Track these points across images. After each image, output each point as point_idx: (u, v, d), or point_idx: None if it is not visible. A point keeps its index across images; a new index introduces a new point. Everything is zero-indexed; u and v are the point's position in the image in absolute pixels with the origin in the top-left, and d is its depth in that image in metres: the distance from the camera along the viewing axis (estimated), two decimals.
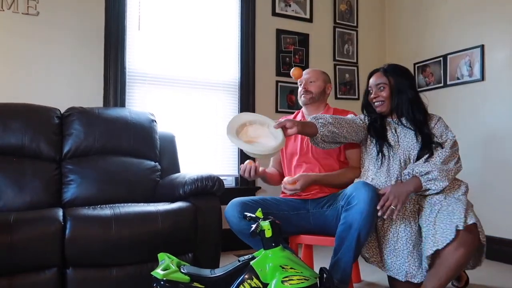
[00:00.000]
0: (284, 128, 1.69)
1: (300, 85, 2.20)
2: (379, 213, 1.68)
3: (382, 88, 1.93)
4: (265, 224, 1.48)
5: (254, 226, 1.48)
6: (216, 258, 2.02)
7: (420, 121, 1.89)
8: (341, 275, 1.70)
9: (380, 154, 1.90)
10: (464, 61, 3.09)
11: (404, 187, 1.72)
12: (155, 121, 2.52)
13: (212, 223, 2.00)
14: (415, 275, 1.74)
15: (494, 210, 2.81)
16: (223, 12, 3.24)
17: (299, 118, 2.23)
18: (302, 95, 2.17)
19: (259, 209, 1.60)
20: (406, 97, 1.89)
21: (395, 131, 1.94)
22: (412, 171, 1.77)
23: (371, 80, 1.99)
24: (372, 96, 1.96)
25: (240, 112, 3.22)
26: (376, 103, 1.95)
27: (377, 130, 1.94)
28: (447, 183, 1.74)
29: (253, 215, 1.57)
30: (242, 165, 1.99)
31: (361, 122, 1.96)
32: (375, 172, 1.90)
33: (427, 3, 3.46)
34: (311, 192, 2.00)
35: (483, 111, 2.96)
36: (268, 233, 1.48)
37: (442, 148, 1.83)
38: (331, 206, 1.89)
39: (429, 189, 1.76)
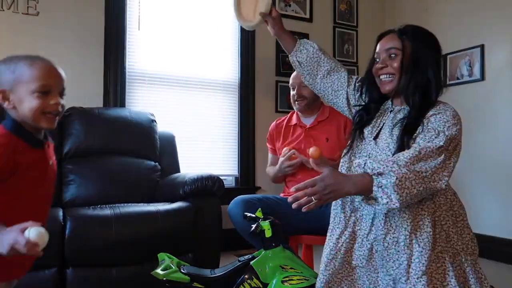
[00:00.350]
0: None
1: (293, 89, 2.15)
2: (294, 205, 1.12)
3: (394, 55, 1.34)
4: (265, 224, 1.48)
5: (254, 226, 1.48)
6: (216, 258, 2.02)
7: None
8: None
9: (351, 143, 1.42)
10: (464, 61, 3.09)
11: (345, 183, 1.12)
12: (155, 121, 2.52)
13: (212, 223, 2.00)
14: None
15: (494, 211, 2.81)
16: (223, 12, 3.24)
17: (294, 119, 2.22)
18: (296, 102, 2.13)
19: (259, 209, 1.60)
20: (421, 77, 1.31)
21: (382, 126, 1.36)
22: (364, 165, 1.15)
23: (380, 44, 1.40)
24: (378, 65, 1.37)
25: (240, 114, 3.23)
26: (382, 78, 1.36)
27: (360, 121, 1.44)
28: (404, 204, 1.10)
29: (253, 215, 1.57)
30: (286, 152, 2.02)
31: (344, 83, 1.53)
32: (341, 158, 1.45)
33: (427, 3, 3.46)
34: None
35: (483, 111, 2.96)
36: (268, 233, 1.48)
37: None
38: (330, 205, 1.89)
39: (376, 200, 1.13)
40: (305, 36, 3.50)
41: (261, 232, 1.49)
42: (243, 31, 3.26)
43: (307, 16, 3.53)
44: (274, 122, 2.31)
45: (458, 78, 3.14)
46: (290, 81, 2.19)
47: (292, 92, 2.16)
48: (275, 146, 2.26)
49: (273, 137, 2.27)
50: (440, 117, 1.25)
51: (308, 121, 2.18)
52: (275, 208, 1.93)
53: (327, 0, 3.64)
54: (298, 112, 2.21)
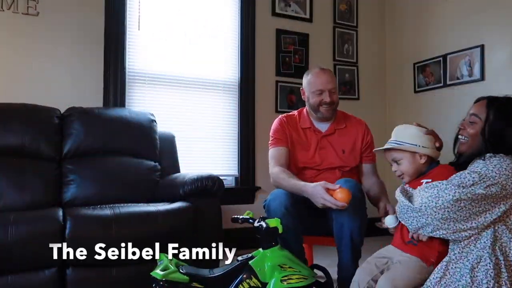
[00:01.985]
0: None
1: (320, 94, 1.92)
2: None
3: (473, 122, 1.39)
4: (274, 221, 1.48)
5: (258, 223, 1.48)
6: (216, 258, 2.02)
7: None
8: (345, 273, 1.71)
9: None
10: (464, 61, 3.09)
11: None
12: (155, 121, 2.52)
13: (212, 223, 2.00)
14: None
15: None
16: (223, 12, 3.24)
17: (306, 122, 2.02)
18: (327, 109, 1.93)
19: (247, 211, 1.61)
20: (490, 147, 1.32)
21: None
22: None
23: (472, 107, 1.46)
24: (460, 125, 1.46)
25: (240, 113, 3.23)
26: (460, 137, 1.45)
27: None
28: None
29: (246, 217, 1.58)
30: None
31: None
32: None
33: (427, 3, 3.45)
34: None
35: None
36: (281, 229, 1.48)
37: None
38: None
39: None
40: (305, 36, 3.50)
41: (259, 230, 1.49)
42: (243, 31, 3.26)
43: (307, 16, 3.53)
44: (283, 116, 2.07)
45: (458, 78, 3.14)
46: (317, 86, 1.93)
47: (318, 98, 1.93)
48: (287, 137, 1.98)
49: (284, 129, 2.00)
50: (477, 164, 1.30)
51: (322, 127, 2.01)
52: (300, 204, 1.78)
53: (327, 0, 3.64)
54: (313, 117, 2.02)
